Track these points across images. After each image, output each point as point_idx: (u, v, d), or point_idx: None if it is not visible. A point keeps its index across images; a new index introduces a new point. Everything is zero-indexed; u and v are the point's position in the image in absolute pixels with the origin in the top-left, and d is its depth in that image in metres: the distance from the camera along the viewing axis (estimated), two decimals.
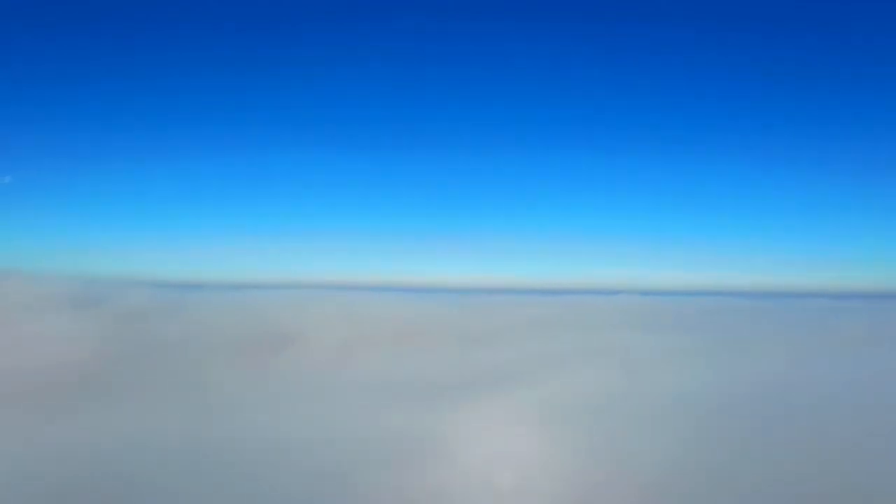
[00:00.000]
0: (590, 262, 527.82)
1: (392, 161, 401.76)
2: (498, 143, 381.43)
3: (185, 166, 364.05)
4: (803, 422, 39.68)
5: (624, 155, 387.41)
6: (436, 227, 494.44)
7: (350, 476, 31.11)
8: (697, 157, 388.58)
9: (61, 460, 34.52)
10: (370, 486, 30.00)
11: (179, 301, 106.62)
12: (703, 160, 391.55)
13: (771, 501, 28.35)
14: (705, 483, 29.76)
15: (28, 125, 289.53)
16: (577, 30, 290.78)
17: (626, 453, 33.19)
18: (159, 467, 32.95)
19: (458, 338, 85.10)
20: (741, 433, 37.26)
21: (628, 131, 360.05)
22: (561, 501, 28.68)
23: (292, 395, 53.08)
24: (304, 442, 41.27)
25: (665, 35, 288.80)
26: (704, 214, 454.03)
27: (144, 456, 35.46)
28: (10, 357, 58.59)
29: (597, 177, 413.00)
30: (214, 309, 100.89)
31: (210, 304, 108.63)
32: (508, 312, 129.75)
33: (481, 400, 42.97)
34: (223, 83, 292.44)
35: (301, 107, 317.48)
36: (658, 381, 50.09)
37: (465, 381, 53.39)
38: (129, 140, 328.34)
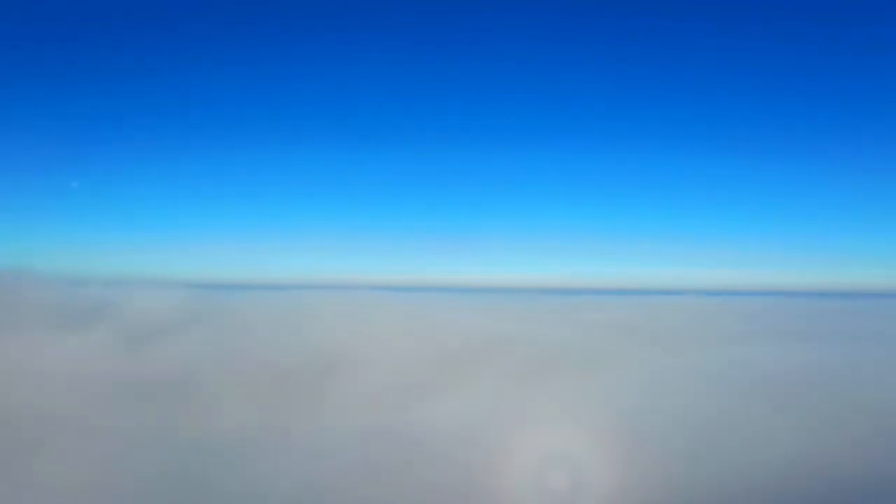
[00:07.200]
0: (639, 261, 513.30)
1: (442, 160, 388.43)
2: (557, 142, 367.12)
3: (207, 167, 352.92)
4: None
5: (643, 153, 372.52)
6: (486, 227, 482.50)
7: None
8: (713, 156, 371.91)
9: None
10: None
11: (210, 302, 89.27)
12: (720, 158, 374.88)
13: None
14: None
15: (43, 127, 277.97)
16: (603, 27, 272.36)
17: None
18: None
19: (570, 352, 65.94)
20: None
21: (688, 130, 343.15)
22: None
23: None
24: None
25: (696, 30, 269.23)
26: (737, 213, 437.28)
27: None
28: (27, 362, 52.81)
29: (642, 175, 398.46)
30: (256, 311, 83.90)
31: (248, 306, 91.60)
32: (591, 316, 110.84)
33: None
34: (246, 85, 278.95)
35: (325, 107, 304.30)
36: None
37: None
38: (153, 142, 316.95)
